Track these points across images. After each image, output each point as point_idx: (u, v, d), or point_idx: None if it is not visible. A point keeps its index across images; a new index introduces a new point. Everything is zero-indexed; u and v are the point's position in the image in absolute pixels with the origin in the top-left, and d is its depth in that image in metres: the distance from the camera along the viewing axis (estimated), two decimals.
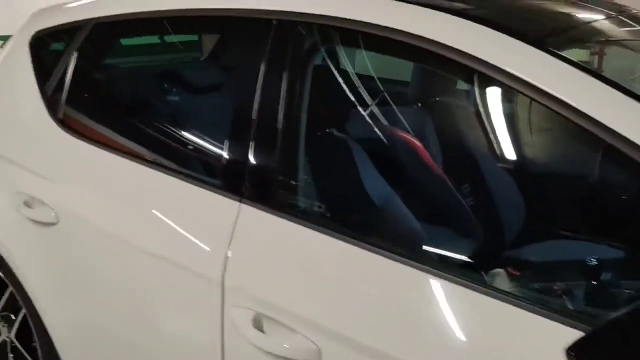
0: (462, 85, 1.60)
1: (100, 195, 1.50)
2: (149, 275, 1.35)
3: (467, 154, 1.50)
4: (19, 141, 1.75)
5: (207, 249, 1.24)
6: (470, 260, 1.18)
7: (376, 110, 1.31)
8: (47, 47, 1.92)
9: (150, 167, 1.41)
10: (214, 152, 1.29)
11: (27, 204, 1.66)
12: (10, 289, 1.90)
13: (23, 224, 1.69)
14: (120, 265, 1.42)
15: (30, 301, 1.78)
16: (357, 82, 1.27)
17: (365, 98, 1.29)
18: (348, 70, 1.28)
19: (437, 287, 1.01)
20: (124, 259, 1.41)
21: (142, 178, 1.42)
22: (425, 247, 1.19)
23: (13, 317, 2.01)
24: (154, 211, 1.36)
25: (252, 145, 1.22)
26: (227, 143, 1.28)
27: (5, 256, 1.80)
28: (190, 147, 1.45)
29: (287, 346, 1.08)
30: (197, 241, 1.26)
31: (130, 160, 1.47)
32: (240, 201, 1.22)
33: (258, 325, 1.12)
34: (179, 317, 1.30)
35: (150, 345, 1.40)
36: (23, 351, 1.96)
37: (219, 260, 1.20)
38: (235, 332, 1.17)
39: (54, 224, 1.60)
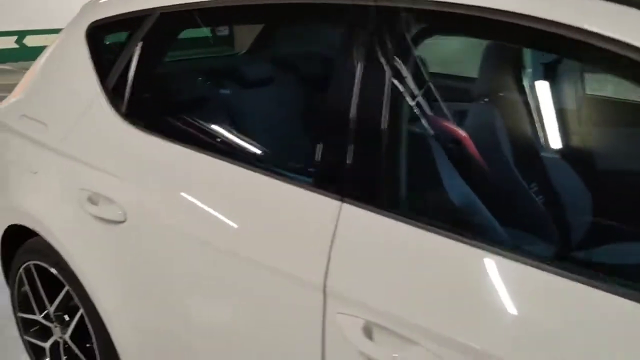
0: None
1: (176, 193, 1.43)
2: (237, 279, 1.27)
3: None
4: (80, 137, 1.68)
5: (306, 251, 1.16)
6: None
7: (485, 104, 1.24)
8: (105, 38, 1.85)
9: (234, 164, 1.33)
10: (310, 148, 1.20)
11: (92, 201, 1.60)
12: (66, 288, 1.83)
13: (85, 222, 1.63)
14: (201, 268, 1.35)
15: (90, 301, 1.71)
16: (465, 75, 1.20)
17: (474, 92, 1.21)
18: (454, 61, 1.20)
19: (569, 291, 0.93)
20: (206, 262, 1.33)
21: (224, 175, 1.34)
22: (548, 248, 1.11)
23: (66, 318, 1.95)
24: (242, 211, 1.28)
25: (353, 139, 1.14)
26: (324, 137, 1.20)
27: (63, 254, 1.74)
28: (282, 142, 1.37)
29: (405, 358, 1.00)
30: (293, 243, 1.19)
31: (209, 155, 1.39)
32: (341, 200, 1.14)
33: (368, 334, 1.05)
34: (272, 323, 1.22)
35: (235, 352, 1.32)
36: (78, 352, 1.90)
37: (320, 263, 1.12)
38: (339, 342, 1.09)
39: (121, 222, 1.53)
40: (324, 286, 1.12)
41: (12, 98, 2.10)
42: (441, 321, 1.00)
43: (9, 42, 11.46)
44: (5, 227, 1.98)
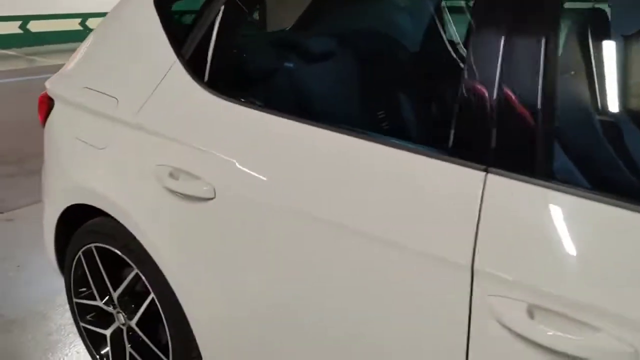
0: None
1: (278, 167, 1.31)
2: (359, 260, 1.15)
3: None
4: (157, 110, 1.56)
5: (447, 228, 1.05)
6: None
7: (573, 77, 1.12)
8: (174, 4, 1.73)
9: (346, 134, 1.21)
10: (442, 115, 1.09)
11: (173, 177, 1.48)
12: (135, 271, 1.72)
13: (165, 199, 1.52)
14: (313, 249, 1.23)
15: (164, 285, 1.61)
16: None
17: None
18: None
19: None
20: (321, 242, 1.21)
21: (335, 147, 1.22)
22: None
23: (131, 303, 1.85)
24: (362, 186, 1.16)
25: (499, 102, 1.03)
26: (463, 102, 1.08)
27: (137, 234, 1.62)
28: (403, 110, 1.24)
29: (577, 342, 0.90)
30: (430, 219, 1.07)
31: (313, 126, 1.27)
32: (486, 170, 1.03)
33: (530, 316, 0.95)
34: (404, 311, 1.10)
35: (354, 346, 1.21)
36: (148, 342, 1.79)
37: (466, 242, 1.02)
38: (490, 326, 0.99)
39: (209, 199, 1.42)
40: (472, 267, 1.01)
41: (66, 69, 1.98)
42: (617, 299, 0.89)
43: (13, 28, 11.25)
44: (63, 208, 1.87)
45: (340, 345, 1.23)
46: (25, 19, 11.28)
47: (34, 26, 11.30)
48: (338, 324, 1.22)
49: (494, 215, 1.01)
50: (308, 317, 1.29)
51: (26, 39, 11.07)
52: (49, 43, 10.99)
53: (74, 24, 11.56)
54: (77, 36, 11.78)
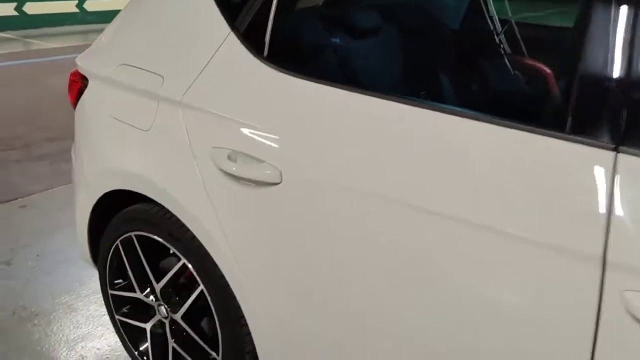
0: None
1: (357, 148, 1.19)
2: (462, 250, 1.04)
3: None
4: (210, 87, 1.43)
5: (573, 216, 0.94)
6: None
7: None
8: None
9: (436, 110, 1.09)
10: (560, 88, 0.97)
11: (232, 160, 1.36)
12: (182, 261, 1.60)
13: (220, 184, 1.40)
14: (400, 238, 1.11)
15: (217, 277, 1.49)
16: None
17: None
18: None
19: None
20: (408, 229, 1.09)
21: (430, 126, 1.10)
22: None
23: (175, 296, 1.73)
24: (468, 171, 1.04)
25: (629, 72, 0.91)
26: (584, 73, 0.96)
27: (186, 222, 1.51)
28: (503, 81, 1.12)
29: None
30: (553, 208, 0.95)
31: (392, 101, 1.14)
32: (616, 149, 0.92)
33: None
34: (522, 304, 0.99)
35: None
36: (196, 337, 1.68)
37: (595, 230, 0.90)
38: (626, 324, 0.88)
39: (275, 184, 1.30)
40: (604, 259, 0.90)
41: (98, 45, 1.84)
42: None
43: (8, 9, 10.99)
44: (101, 194, 1.74)
45: (440, 349, 1.12)
46: (21, 1, 11.02)
47: (30, 8, 11.03)
48: (439, 324, 1.10)
49: (629, 199, 0.90)
50: (397, 317, 1.17)
51: (22, 21, 10.82)
52: (45, 25, 10.74)
53: (70, 6, 11.30)
54: (74, 19, 11.54)
